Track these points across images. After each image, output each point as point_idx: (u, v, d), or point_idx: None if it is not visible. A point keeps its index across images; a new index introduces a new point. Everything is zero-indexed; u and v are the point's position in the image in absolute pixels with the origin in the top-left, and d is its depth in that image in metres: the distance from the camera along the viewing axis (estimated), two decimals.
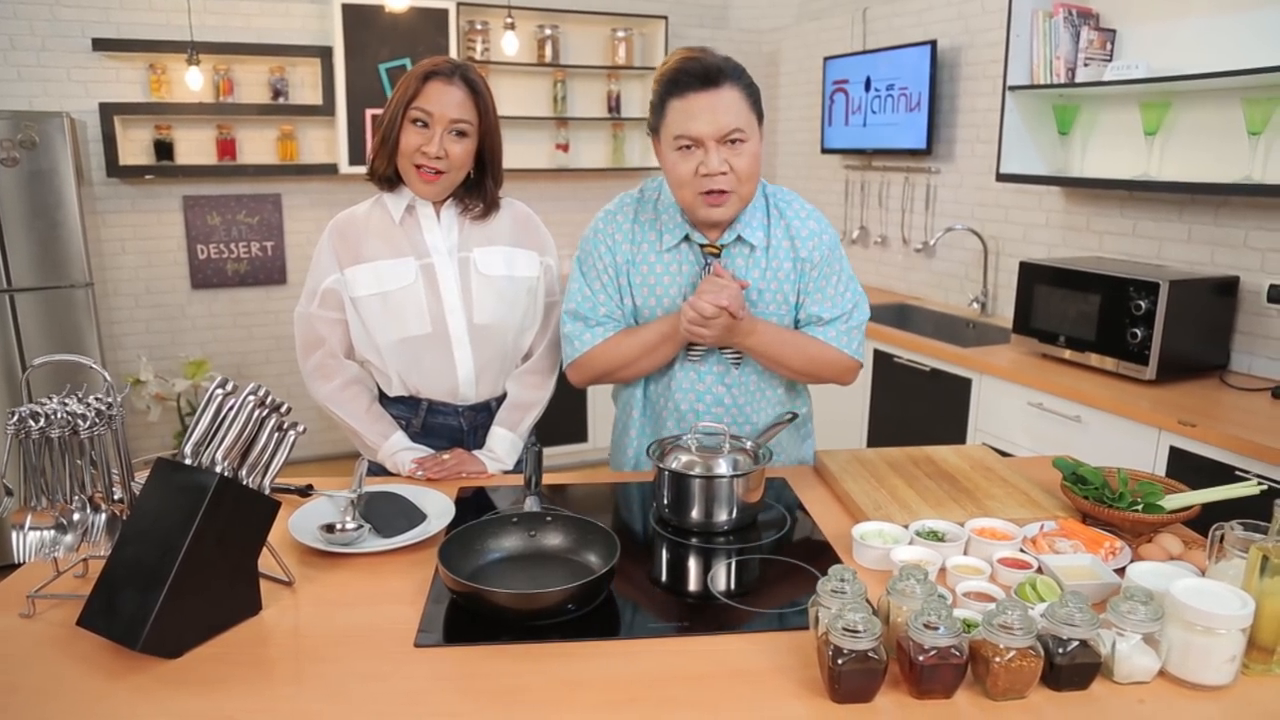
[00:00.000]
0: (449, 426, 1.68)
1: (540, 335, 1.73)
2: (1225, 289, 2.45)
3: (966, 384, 2.80)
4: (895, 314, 3.68)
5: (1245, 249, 2.46)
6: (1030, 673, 0.94)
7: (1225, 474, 1.98)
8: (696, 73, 1.36)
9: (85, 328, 3.30)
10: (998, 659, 0.94)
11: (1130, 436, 2.23)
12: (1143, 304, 2.33)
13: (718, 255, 1.51)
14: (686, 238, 1.51)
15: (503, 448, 1.65)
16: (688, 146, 1.39)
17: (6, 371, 3.12)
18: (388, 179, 1.60)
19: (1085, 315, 2.51)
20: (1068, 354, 2.60)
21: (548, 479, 1.60)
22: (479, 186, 1.63)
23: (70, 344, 3.23)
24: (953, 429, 2.84)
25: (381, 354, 1.62)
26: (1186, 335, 2.38)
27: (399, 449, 1.61)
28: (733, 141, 1.38)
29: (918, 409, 3.04)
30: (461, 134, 1.54)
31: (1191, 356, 2.43)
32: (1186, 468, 2.07)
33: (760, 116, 1.43)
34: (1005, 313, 3.18)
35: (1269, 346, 2.42)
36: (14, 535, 1.10)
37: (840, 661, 0.92)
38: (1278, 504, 1.01)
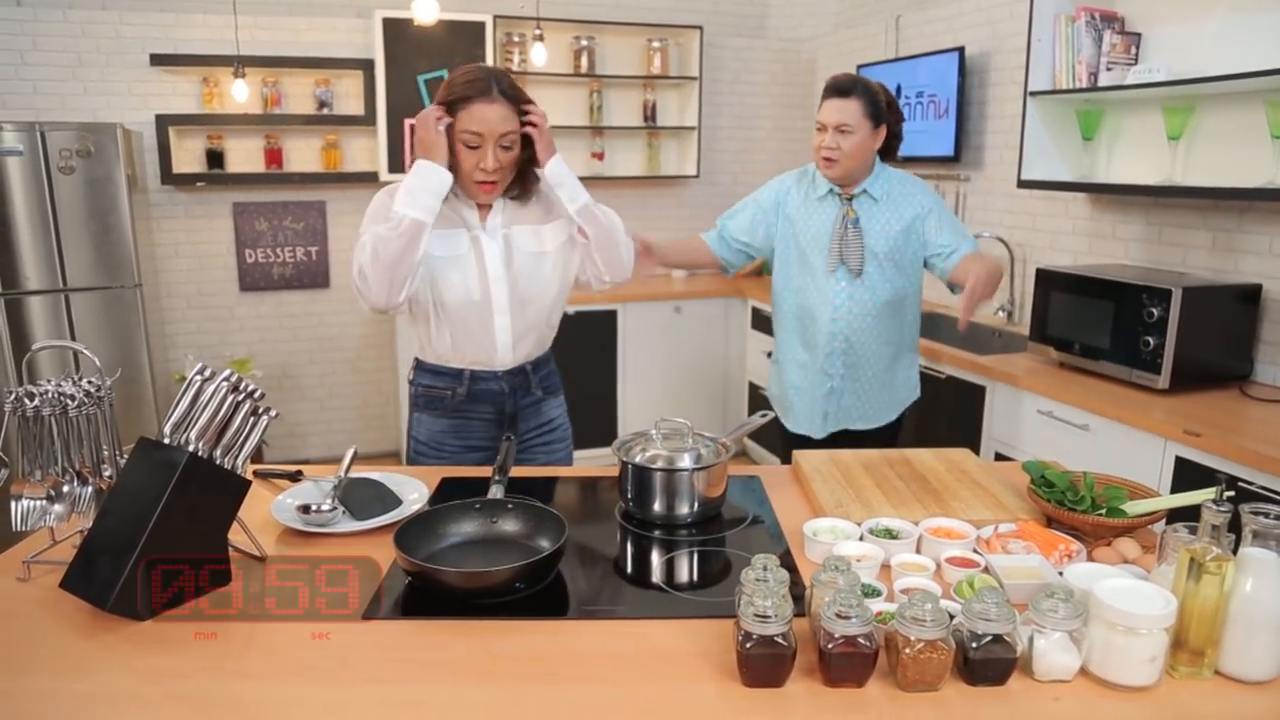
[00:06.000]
0: (491, 391, 1.78)
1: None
2: (1247, 297, 2.37)
3: (980, 391, 2.76)
4: (924, 322, 3.62)
5: (1270, 256, 2.38)
6: (939, 664, 0.95)
7: (1229, 486, 1.91)
8: (834, 86, 2.13)
9: (134, 326, 3.50)
10: (907, 650, 0.95)
11: (1138, 446, 2.17)
12: (1155, 311, 2.27)
13: (850, 202, 2.18)
14: (830, 191, 2.20)
15: (560, 171, 1.70)
16: (821, 128, 2.14)
17: (61, 366, 3.33)
18: None
19: (1099, 323, 2.45)
20: (1082, 362, 2.54)
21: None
22: (522, 175, 1.73)
23: (120, 341, 3.43)
24: (967, 436, 2.80)
25: (437, 310, 1.71)
26: (1203, 344, 2.31)
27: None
28: (842, 131, 2.10)
29: (934, 416, 3.00)
30: (508, 147, 1.65)
31: (1210, 366, 2.35)
32: (1191, 479, 2.01)
33: (876, 119, 2.12)
34: None
35: None
36: (12, 504, 1.21)
37: (749, 645, 0.95)
38: (1205, 506, 1.00)
